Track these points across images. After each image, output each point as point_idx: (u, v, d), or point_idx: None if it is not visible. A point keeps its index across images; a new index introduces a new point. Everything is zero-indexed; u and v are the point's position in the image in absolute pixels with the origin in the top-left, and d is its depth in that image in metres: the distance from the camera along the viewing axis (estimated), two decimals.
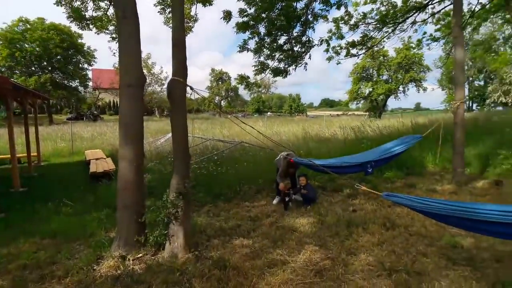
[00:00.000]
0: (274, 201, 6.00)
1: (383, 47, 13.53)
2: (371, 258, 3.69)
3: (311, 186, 6.10)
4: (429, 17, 11.75)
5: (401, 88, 39.34)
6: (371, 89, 39.81)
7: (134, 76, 3.95)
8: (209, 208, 5.80)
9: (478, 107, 34.48)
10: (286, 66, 9.17)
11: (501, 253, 3.57)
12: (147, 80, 47.88)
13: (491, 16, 13.07)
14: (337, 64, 11.32)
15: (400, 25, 11.59)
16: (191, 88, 4.05)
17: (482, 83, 33.65)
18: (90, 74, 42.32)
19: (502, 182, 6.30)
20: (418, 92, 39.43)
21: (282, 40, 8.80)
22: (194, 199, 6.04)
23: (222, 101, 67.29)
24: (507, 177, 6.74)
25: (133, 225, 3.98)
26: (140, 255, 3.89)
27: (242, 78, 9.23)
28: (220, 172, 6.71)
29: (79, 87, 39.84)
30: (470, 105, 40.28)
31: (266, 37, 8.55)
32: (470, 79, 37.97)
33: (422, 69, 38.20)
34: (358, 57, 12.29)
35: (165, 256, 3.82)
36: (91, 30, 9.10)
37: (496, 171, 7.13)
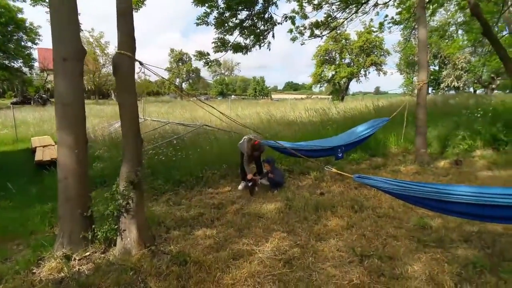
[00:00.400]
0: (240, 187, 5.70)
1: (345, 30, 13.54)
2: (341, 243, 3.53)
3: (278, 169, 5.87)
4: (389, 0, 11.82)
5: (362, 72, 40.34)
6: (334, 72, 40.39)
7: (70, 48, 3.36)
8: (169, 196, 5.36)
9: (433, 91, 36.29)
10: (250, 44, 8.72)
11: (468, 233, 3.55)
12: (101, 61, 44.82)
13: (447, 2, 13.49)
14: (301, 44, 11.11)
15: (363, 6, 11.56)
16: (141, 64, 3.54)
17: (437, 68, 35.32)
18: (35, 54, 38.38)
19: (461, 162, 6.49)
20: (379, 75, 40.73)
21: (243, 15, 8.29)
22: (152, 187, 5.59)
23: (183, 83, 65.13)
24: (465, 156, 6.98)
25: (77, 220, 3.49)
26: (88, 253, 3.43)
27: (201, 55, 8.64)
28: (180, 157, 6.25)
29: (23, 68, 36.05)
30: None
31: (226, 12, 7.98)
32: None
33: (382, 53, 39.30)
34: (321, 38, 12.19)
35: (116, 254, 3.39)
36: (25, 1, 7.96)
37: (455, 151, 7.36)
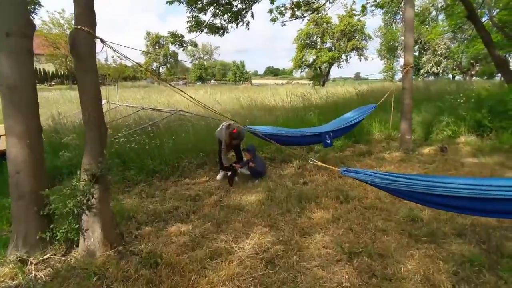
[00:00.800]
0: (218, 177, 5.36)
1: (327, 14, 13.26)
2: (327, 239, 3.28)
3: (259, 158, 5.55)
4: None
5: (343, 57, 40.26)
6: (315, 57, 40.06)
7: (14, 21, 2.85)
8: (142, 188, 4.96)
9: (413, 77, 36.80)
10: (226, 23, 8.19)
11: (461, 226, 3.36)
12: None
13: None
14: (282, 26, 10.56)
15: None
16: (102, 41, 3.07)
17: (417, 53, 35.59)
18: None
19: (446, 148, 6.36)
20: (360, 60, 41.01)
21: None
22: (124, 178, 5.17)
23: (161, 68, 63.07)
24: (449, 143, 6.88)
25: (33, 219, 3.07)
26: (46, 257, 3.04)
27: (175, 37, 8.07)
28: (155, 145, 5.82)
29: None
30: None
31: None
32: None
33: (363, 38, 39.25)
34: (302, 20, 11.79)
35: (78, 256, 3.02)
36: None
37: (438, 137, 7.27)
